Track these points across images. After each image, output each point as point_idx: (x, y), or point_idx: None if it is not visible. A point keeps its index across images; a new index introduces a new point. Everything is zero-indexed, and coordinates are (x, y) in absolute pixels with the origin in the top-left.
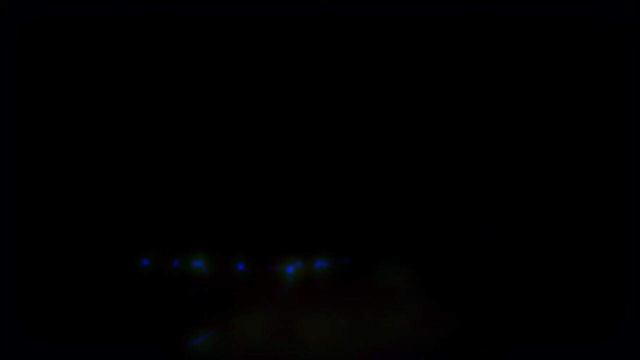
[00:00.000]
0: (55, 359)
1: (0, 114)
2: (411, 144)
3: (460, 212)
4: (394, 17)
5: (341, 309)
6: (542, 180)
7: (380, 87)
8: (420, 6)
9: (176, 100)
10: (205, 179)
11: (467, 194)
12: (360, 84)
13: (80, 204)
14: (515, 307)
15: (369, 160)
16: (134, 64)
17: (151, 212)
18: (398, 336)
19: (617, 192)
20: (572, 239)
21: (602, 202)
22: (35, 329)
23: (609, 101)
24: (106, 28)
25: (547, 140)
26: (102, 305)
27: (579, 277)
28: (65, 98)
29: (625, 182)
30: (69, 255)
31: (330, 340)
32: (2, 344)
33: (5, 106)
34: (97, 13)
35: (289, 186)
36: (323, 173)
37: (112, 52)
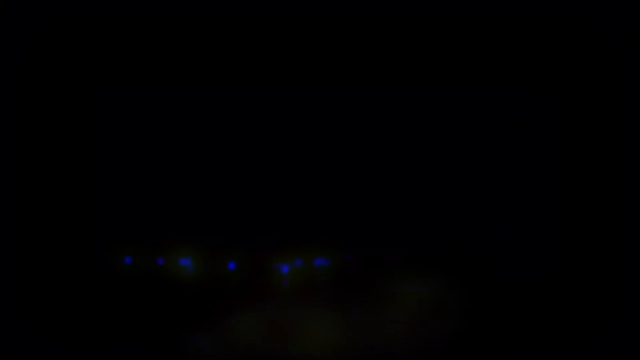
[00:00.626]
0: (55, 359)
1: (1, 115)
2: (413, 140)
3: (460, 209)
4: (394, 17)
5: (342, 309)
6: (541, 181)
7: (380, 85)
8: (420, 6)
9: (170, 98)
10: (191, 168)
11: (466, 192)
12: (358, 82)
13: (78, 204)
14: (515, 307)
15: (370, 154)
16: (133, 64)
17: (136, 205)
18: (399, 336)
19: (615, 191)
20: (572, 239)
21: (601, 202)
22: (36, 329)
23: (609, 101)
24: (109, 28)
25: (547, 140)
26: (96, 305)
27: (578, 277)
28: (65, 98)
29: (624, 180)
30: (62, 255)
31: (330, 342)
32: (3, 344)
33: (6, 107)
34: (99, 13)
35: (283, 176)
36: (321, 163)
37: (113, 52)
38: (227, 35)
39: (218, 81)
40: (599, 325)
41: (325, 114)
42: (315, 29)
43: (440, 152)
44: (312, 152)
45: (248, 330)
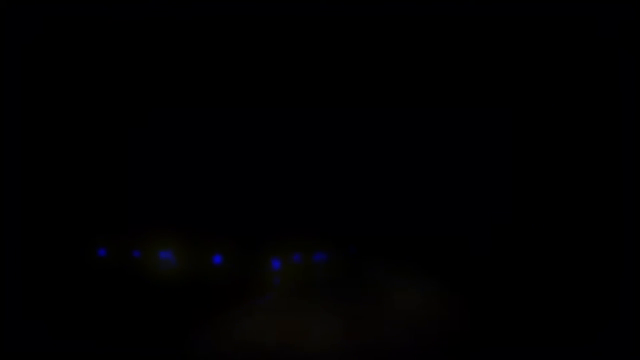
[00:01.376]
0: (56, 359)
1: (4, 115)
2: (410, 141)
3: (458, 210)
4: (394, 17)
5: (342, 307)
6: (540, 181)
7: (380, 84)
8: (420, 6)
9: (164, 94)
10: (177, 155)
11: (464, 193)
12: (358, 80)
13: (73, 203)
14: (515, 307)
15: (369, 150)
16: (134, 65)
17: (113, 193)
18: (399, 335)
19: (614, 191)
20: (571, 239)
21: (600, 201)
22: (37, 329)
23: (608, 102)
24: (110, 29)
25: (546, 140)
26: (92, 304)
27: (578, 277)
28: (66, 99)
29: (624, 181)
30: (55, 255)
31: (330, 341)
32: (5, 345)
33: (9, 107)
34: (100, 14)
35: (279, 164)
36: (318, 153)
37: (114, 53)
38: (228, 36)
39: (211, 83)
40: (598, 325)
41: (323, 111)
42: (314, 29)
43: (435, 151)
44: (308, 142)
45: (244, 329)
